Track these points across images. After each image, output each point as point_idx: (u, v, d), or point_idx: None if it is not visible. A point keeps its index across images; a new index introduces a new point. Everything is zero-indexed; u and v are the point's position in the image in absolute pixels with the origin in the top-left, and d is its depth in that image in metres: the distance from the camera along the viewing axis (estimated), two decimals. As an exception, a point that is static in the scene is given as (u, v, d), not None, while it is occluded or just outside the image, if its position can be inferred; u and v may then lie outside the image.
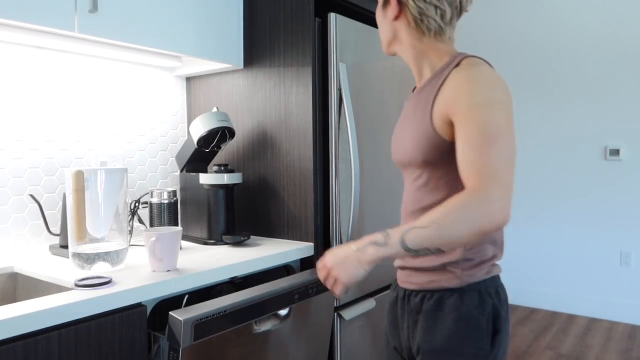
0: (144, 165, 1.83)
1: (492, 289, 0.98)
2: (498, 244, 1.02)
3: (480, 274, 0.98)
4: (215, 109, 1.67)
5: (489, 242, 1.00)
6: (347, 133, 1.61)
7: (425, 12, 1.00)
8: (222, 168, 1.61)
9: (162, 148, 1.89)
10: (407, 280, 1.05)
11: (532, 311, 3.75)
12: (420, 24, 1.02)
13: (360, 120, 1.71)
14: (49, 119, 1.56)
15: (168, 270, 1.24)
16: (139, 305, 1.13)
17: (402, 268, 1.07)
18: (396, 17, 1.04)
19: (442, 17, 1.01)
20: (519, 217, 3.91)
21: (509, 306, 1.02)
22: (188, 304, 1.26)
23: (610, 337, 3.21)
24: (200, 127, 1.60)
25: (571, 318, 3.59)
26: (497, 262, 1.04)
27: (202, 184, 1.61)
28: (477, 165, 0.85)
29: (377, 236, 0.90)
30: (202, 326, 1.09)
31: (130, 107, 1.78)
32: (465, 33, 4.11)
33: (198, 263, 1.33)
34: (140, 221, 1.62)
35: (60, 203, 1.59)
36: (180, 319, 1.05)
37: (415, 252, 0.86)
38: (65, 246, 1.42)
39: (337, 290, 0.95)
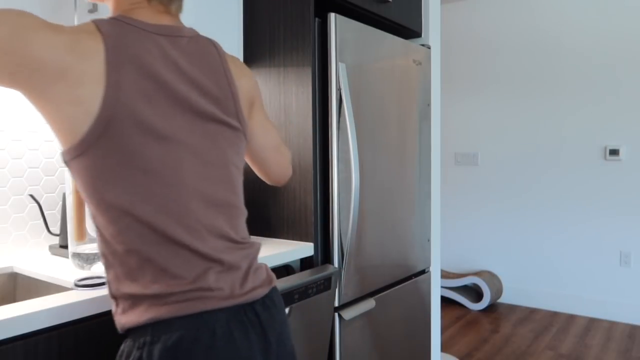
0: (143, 165, 1.83)
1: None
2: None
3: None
4: None
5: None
6: (347, 133, 1.61)
7: None
8: (222, 168, 1.61)
9: (162, 148, 1.89)
10: None
11: (532, 311, 3.75)
12: None
13: (360, 121, 1.71)
14: (48, 119, 1.56)
15: (168, 270, 1.23)
16: (139, 305, 1.12)
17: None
18: None
19: None
20: (519, 216, 3.91)
21: None
22: (188, 304, 1.26)
23: (610, 337, 3.22)
24: None
25: (571, 318, 3.59)
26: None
27: (202, 184, 1.61)
28: None
29: None
30: (202, 326, 1.09)
31: (130, 107, 1.78)
32: (466, 32, 4.11)
33: (198, 263, 1.33)
34: (140, 221, 1.62)
35: (60, 203, 1.59)
36: (180, 319, 1.05)
37: None
38: (65, 246, 1.42)
39: None
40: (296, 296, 1.36)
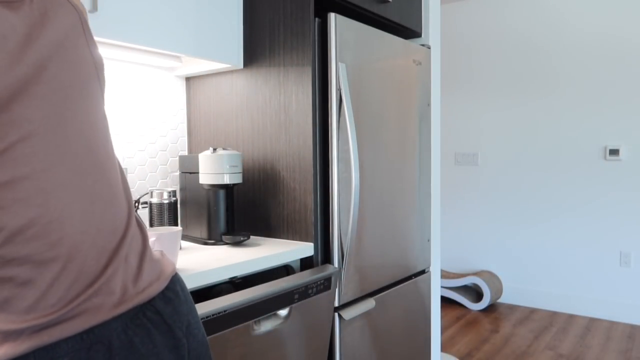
0: (144, 165, 1.83)
1: None
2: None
3: None
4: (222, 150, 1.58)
5: None
6: (347, 133, 1.61)
7: None
8: (222, 168, 1.61)
9: (162, 148, 1.89)
10: None
11: (532, 311, 3.75)
12: None
13: (360, 121, 1.71)
14: (48, 119, 1.56)
15: (168, 270, 1.23)
16: (138, 305, 1.12)
17: None
18: None
19: None
20: (519, 216, 3.91)
21: None
22: (188, 304, 1.26)
23: (610, 337, 3.22)
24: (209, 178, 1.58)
25: (571, 318, 3.59)
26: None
27: (202, 184, 1.61)
28: None
29: None
30: (202, 326, 1.09)
31: (130, 107, 1.78)
32: (466, 32, 4.11)
33: (198, 263, 1.33)
34: (140, 221, 1.61)
35: None
36: (180, 319, 1.05)
37: None
38: None
39: None
40: (296, 296, 1.36)
